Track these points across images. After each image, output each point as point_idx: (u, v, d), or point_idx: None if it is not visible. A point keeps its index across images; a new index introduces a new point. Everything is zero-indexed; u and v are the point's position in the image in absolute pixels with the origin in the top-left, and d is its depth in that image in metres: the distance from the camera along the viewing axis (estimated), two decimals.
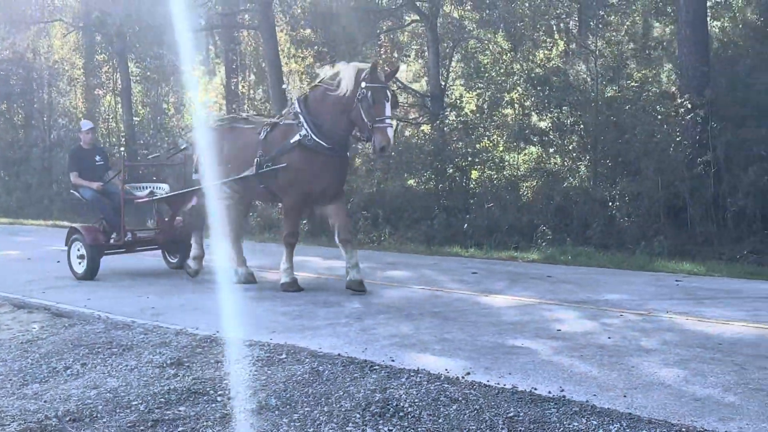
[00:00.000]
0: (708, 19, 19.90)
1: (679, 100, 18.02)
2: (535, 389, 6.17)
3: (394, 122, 12.84)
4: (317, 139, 10.98)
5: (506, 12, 23.48)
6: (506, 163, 21.15)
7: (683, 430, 5.17)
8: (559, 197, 19.00)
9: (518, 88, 21.83)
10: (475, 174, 20.88)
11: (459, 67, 25.39)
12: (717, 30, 21.17)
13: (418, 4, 23.30)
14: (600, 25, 23.07)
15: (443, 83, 23.42)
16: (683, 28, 18.49)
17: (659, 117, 18.71)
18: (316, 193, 11.33)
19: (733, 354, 7.27)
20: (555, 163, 20.43)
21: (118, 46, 28.62)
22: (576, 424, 5.37)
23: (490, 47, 23.67)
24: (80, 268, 13.14)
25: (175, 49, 25.09)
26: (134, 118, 30.88)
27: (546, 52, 23.39)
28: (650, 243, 16.38)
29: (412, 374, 6.69)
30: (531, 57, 22.69)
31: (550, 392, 6.09)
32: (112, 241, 13.19)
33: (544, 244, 17.38)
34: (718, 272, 13.19)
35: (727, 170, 16.93)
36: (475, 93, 22.87)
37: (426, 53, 24.75)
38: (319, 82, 11.45)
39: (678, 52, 19.16)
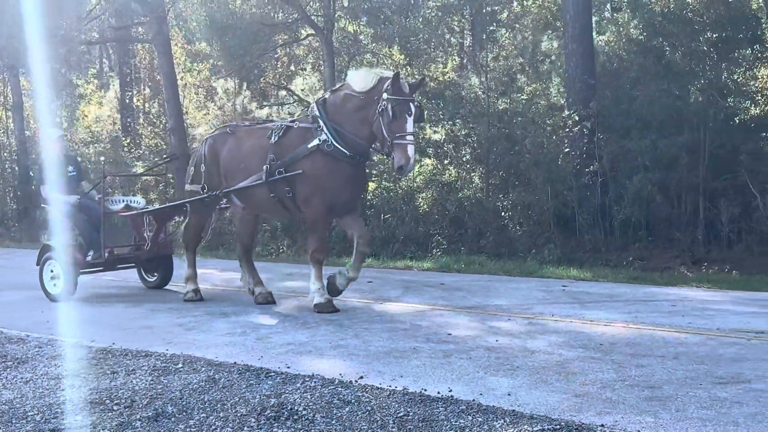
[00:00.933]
0: (594, 33, 20.56)
1: (567, 113, 18.59)
2: (425, 390, 6.36)
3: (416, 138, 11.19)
4: (337, 145, 9.82)
5: (401, 27, 23.79)
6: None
7: (563, 424, 5.42)
8: (454, 208, 19.40)
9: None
10: (372, 185, 21.10)
11: None
12: (603, 44, 21.80)
13: (313, 18, 23.43)
14: (491, 41, 23.57)
15: None
16: (570, 43, 19.07)
17: (548, 129, 19.25)
18: (341, 200, 10.15)
19: (613, 353, 7.60)
20: (450, 175, 20.79)
21: (8, 60, 28.00)
22: (462, 421, 5.57)
23: (386, 61, 23.93)
24: (54, 288, 11.76)
25: (67, 62, 24.73)
26: (26, 132, 30.30)
27: (440, 66, 23.81)
28: (540, 251, 16.87)
29: (306, 379, 6.82)
30: (425, 71, 23.04)
31: (439, 393, 6.28)
32: (89, 258, 11.86)
33: (438, 253, 17.70)
34: (604, 277, 13.68)
35: (613, 180, 17.54)
36: None
37: (322, 67, 24.89)
38: (341, 86, 10.39)
39: (566, 66, 19.71)
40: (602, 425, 5.37)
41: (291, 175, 10.02)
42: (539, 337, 8.55)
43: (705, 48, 18.51)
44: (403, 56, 23.82)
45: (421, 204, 20.76)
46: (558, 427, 5.37)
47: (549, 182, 17.92)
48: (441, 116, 21.32)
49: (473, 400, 6.05)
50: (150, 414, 5.94)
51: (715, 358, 7.31)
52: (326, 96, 10.43)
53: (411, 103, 9.51)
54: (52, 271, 11.80)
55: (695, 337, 8.20)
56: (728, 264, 15.00)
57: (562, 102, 20.29)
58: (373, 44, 24.57)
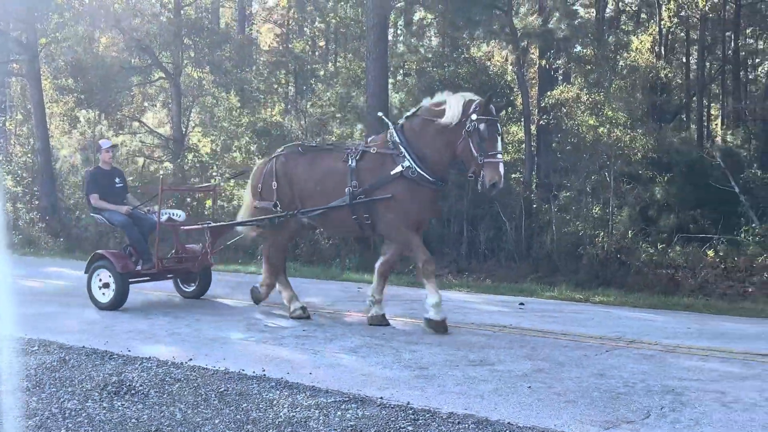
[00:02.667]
0: (390, 92, 21.07)
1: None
2: (243, 370, 6.32)
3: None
4: (422, 172, 8.28)
5: (237, 78, 23.78)
6: (235, 196, 21.23)
7: (351, 396, 5.50)
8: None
9: (245, 137, 22.04)
10: (209, 203, 20.78)
11: (197, 117, 25.28)
12: (396, 101, 22.39)
13: (164, 65, 23.03)
14: (310, 92, 23.77)
15: (184, 129, 23.23)
16: (370, 98, 19.42)
17: None
18: (414, 225, 8.60)
19: (392, 341, 7.75)
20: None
21: None
22: (272, 395, 5.58)
23: (224, 103, 23.75)
24: (104, 297, 9.82)
25: None
26: None
27: (269, 110, 23.83)
28: (343, 260, 17.04)
29: (144, 361, 6.66)
30: (256, 113, 23.01)
31: (254, 372, 6.26)
32: (139, 268, 10.00)
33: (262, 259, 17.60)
34: (390, 282, 13.88)
35: None
36: (209, 139, 22.84)
37: (170, 104, 24.49)
38: (418, 111, 8.68)
39: (367, 116, 20.08)
40: (381, 397, 5.48)
41: (378, 199, 8.41)
42: (337, 328, 8.62)
43: None
44: (237, 100, 23.69)
45: None
46: (347, 398, 5.47)
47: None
48: (266, 150, 21.31)
49: (282, 378, 6.06)
50: (8, 388, 5.66)
51: (469, 345, 7.57)
52: (402, 122, 8.77)
53: (499, 124, 8.26)
54: (100, 279, 9.84)
55: (455, 329, 8.44)
56: (483, 273, 15.56)
57: None
58: (214, 89, 24.30)
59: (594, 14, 25.99)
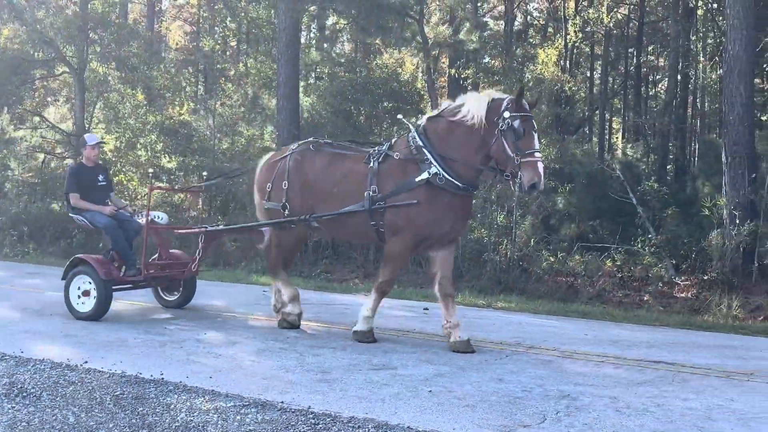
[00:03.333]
0: (301, 95, 21.03)
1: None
2: (140, 373, 6.16)
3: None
4: (450, 178, 7.55)
5: (144, 74, 23.30)
6: (139, 195, 20.79)
7: (251, 401, 5.43)
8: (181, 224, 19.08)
9: (152, 135, 21.62)
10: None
11: (101, 114, 24.64)
12: (307, 104, 22.36)
13: (68, 59, 22.37)
14: (219, 92, 23.49)
15: (87, 125, 22.60)
16: (281, 100, 19.34)
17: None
18: (435, 236, 7.86)
19: (296, 345, 7.69)
20: (179, 197, 20.38)
21: None
22: (169, 399, 5.46)
23: (130, 100, 23.24)
24: (84, 306, 8.84)
25: None
26: None
27: (177, 108, 23.43)
28: (249, 264, 16.87)
29: (37, 362, 6.42)
30: (164, 111, 22.61)
31: (152, 375, 6.11)
32: (122, 275, 9.11)
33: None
34: (297, 285, 13.78)
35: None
36: (114, 136, 22.29)
37: (74, 99, 23.79)
38: (441, 112, 7.97)
39: (277, 118, 20.01)
40: (282, 402, 5.42)
41: (401, 205, 7.68)
42: (241, 331, 8.51)
43: (383, 113, 19.45)
44: (144, 97, 23.21)
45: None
46: (247, 403, 5.39)
47: (252, 211, 18.08)
48: (174, 149, 20.97)
49: (180, 381, 5.93)
50: None
51: (372, 350, 7.57)
52: (423, 124, 8.02)
53: (534, 120, 7.53)
54: (78, 288, 8.87)
55: None
56: None
57: (274, 146, 20.62)
58: (120, 85, 23.74)
59: (503, 27, 26.49)
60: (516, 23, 30.49)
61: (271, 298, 9.14)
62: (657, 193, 16.06)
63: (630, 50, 32.74)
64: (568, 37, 24.65)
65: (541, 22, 32.20)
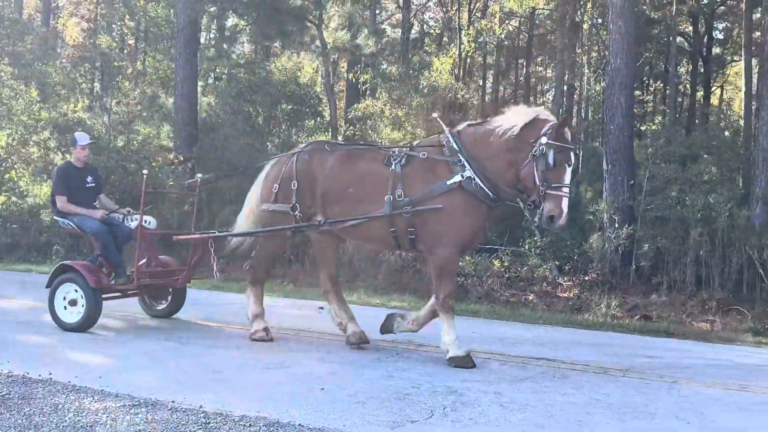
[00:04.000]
0: (199, 95, 20.71)
1: (174, 153, 18.49)
2: (28, 373, 5.93)
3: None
4: (483, 185, 6.99)
5: (38, 70, 22.46)
6: (29, 193, 19.99)
7: (142, 401, 5.30)
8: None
9: (45, 132, 20.84)
10: (3, 199, 19.42)
11: None
12: (205, 104, 22.01)
13: None
14: (116, 89, 22.87)
15: None
16: (179, 100, 19.04)
17: (157, 165, 18.89)
18: (474, 243, 7.51)
19: (189, 345, 7.54)
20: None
21: None
22: (57, 399, 5.28)
23: (24, 96, 22.33)
24: (71, 316, 8.04)
25: None
26: None
27: (71, 105, 22.66)
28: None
29: None
30: (58, 108, 21.83)
31: (40, 375, 5.89)
32: (113, 282, 8.32)
33: (57, 259, 16.67)
34: (193, 285, 13.58)
35: (207, 208, 17.59)
36: (5, 132, 21.37)
37: None
38: (483, 122, 7.39)
39: (174, 117, 19.66)
40: (173, 401, 5.31)
41: (426, 209, 7.06)
42: (132, 331, 8.32)
43: (281, 115, 19.34)
44: (37, 94, 22.34)
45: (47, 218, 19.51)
46: (137, 402, 5.26)
47: (155, 208, 17.66)
48: (68, 146, 20.30)
49: (69, 381, 5.74)
50: None
51: (266, 349, 7.54)
52: (460, 128, 7.42)
53: (572, 153, 6.84)
54: (64, 298, 8.10)
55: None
56: (287, 279, 15.53)
57: (171, 145, 20.22)
58: (13, 81, 22.76)
59: (400, 34, 26.71)
60: (413, 32, 30.82)
61: (333, 317, 8.11)
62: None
63: (520, 61, 33.59)
64: (462, 46, 25.07)
65: (436, 31, 32.67)
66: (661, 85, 33.48)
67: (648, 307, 12.96)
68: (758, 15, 25.42)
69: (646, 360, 8.05)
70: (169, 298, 9.31)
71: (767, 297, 13.06)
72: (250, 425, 4.83)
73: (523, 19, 30.85)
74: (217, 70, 24.90)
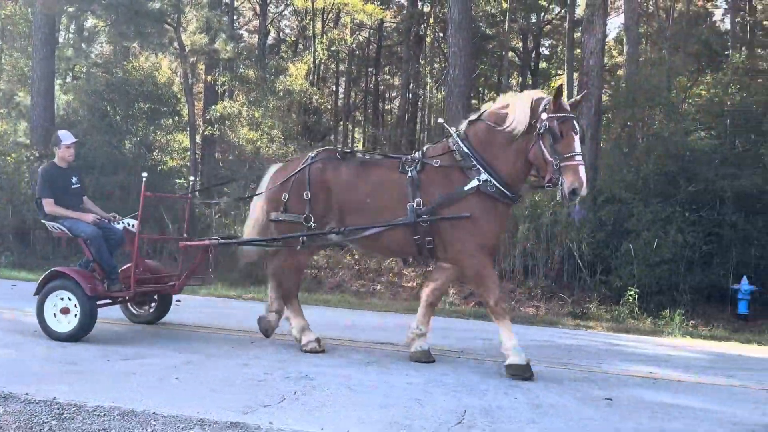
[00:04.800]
0: (57, 92, 19.76)
1: (31, 150, 17.55)
2: None
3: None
4: (500, 186, 6.49)
5: None
6: None
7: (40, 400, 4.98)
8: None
9: None
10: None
11: None
12: (63, 102, 20.97)
13: None
14: None
15: None
16: (36, 97, 18.09)
17: (12, 162, 17.75)
18: (495, 247, 6.95)
19: (44, 337, 7.14)
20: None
21: None
22: None
23: None
24: (63, 325, 7.11)
25: None
26: None
27: None
28: None
29: None
30: None
31: None
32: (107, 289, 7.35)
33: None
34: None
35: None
36: None
37: None
38: (481, 116, 6.79)
39: (31, 114, 18.69)
40: (26, 393, 4.99)
41: (452, 218, 6.53)
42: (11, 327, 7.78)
43: (139, 114, 18.71)
44: None
45: None
46: None
47: (10, 204, 16.63)
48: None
49: None
50: None
51: (123, 340, 7.24)
52: (464, 128, 6.84)
53: (575, 121, 6.34)
54: (55, 305, 7.16)
55: (111, 325, 8.02)
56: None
57: (27, 142, 19.10)
58: None
59: (257, 40, 26.39)
60: (270, 38, 30.52)
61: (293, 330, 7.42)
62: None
63: (370, 69, 33.93)
64: (317, 54, 25.07)
65: (291, 39, 32.47)
66: (495, 95, 34.73)
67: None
68: (578, 34, 26.92)
69: (481, 342, 8.32)
70: (154, 303, 8.45)
71: (585, 285, 13.81)
72: (104, 415, 4.61)
73: (372, 30, 31.18)
74: (76, 69, 23.68)
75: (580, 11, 28.49)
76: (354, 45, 29.89)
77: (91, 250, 7.39)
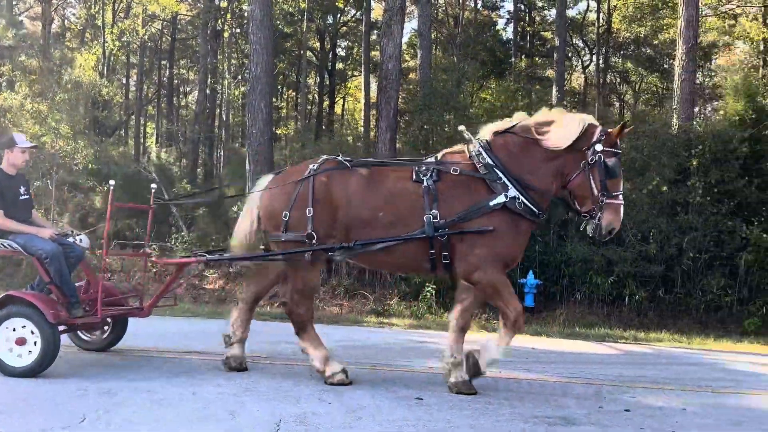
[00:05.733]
0: None
1: None
2: None
3: None
4: (530, 204, 5.99)
5: None
6: None
7: None
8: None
9: None
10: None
11: None
12: None
13: None
14: None
15: None
16: None
17: None
18: (510, 264, 6.29)
19: None
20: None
21: None
22: None
23: None
24: (21, 358, 5.98)
25: None
26: None
27: None
28: None
29: None
30: None
31: None
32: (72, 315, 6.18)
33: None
34: None
35: None
36: None
37: None
38: (512, 128, 6.23)
39: None
40: None
41: (474, 232, 5.97)
42: None
43: None
44: None
45: None
46: None
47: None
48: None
49: None
50: None
51: None
52: (489, 138, 6.29)
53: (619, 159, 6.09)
54: (7, 338, 6.02)
55: None
56: None
57: None
58: None
59: (41, 28, 24.59)
60: (54, 26, 28.51)
61: (230, 325, 6.83)
62: (190, 194, 16.27)
63: (164, 62, 32.74)
64: (106, 44, 23.80)
65: (78, 27, 30.52)
66: (293, 93, 34.81)
67: (286, 294, 13.23)
68: (374, 37, 27.61)
69: (289, 346, 8.22)
70: (107, 328, 7.36)
71: (385, 282, 14.14)
72: None
73: (165, 22, 30.07)
74: None
75: (375, 14, 29.28)
76: (146, 37, 28.69)
77: (50, 270, 6.32)
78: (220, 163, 28.30)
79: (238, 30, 28.72)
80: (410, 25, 31.14)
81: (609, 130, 6.08)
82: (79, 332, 7.35)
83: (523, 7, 31.02)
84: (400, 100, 16.97)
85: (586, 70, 32.13)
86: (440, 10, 30.75)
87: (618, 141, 6.12)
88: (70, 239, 6.72)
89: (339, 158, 6.51)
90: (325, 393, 5.91)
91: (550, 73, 28.54)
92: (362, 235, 6.24)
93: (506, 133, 6.30)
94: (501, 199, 6.02)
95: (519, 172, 6.10)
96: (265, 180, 6.83)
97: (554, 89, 22.59)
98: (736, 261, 13.14)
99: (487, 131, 6.39)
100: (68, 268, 6.49)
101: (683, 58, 15.32)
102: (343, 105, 38.05)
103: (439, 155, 6.52)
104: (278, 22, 26.98)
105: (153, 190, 7.33)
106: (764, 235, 13.04)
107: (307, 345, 6.46)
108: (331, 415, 5.26)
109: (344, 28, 32.88)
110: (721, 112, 15.67)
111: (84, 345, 7.41)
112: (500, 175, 6.07)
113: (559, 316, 12.86)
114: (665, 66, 28.11)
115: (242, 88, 24.98)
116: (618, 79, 32.58)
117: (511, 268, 6.39)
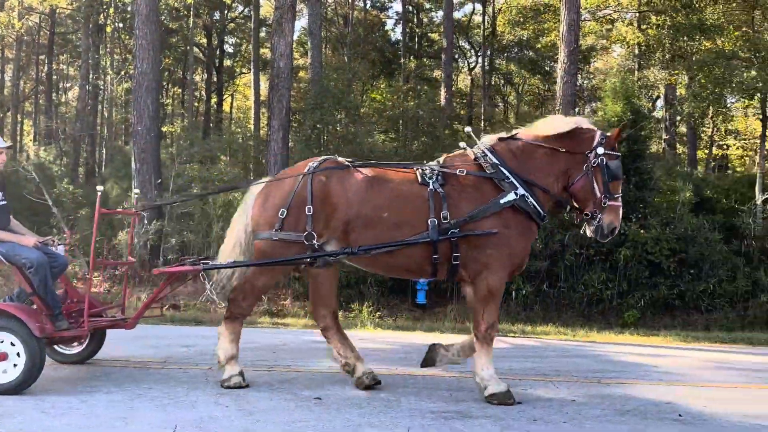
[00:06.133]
0: None
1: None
2: None
3: None
4: (536, 204, 5.93)
5: None
6: None
7: None
8: None
9: None
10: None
11: None
12: None
13: None
14: None
15: None
16: None
17: None
18: (517, 269, 6.22)
19: None
20: None
21: None
22: None
23: None
24: (5, 374, 5.52)
25: None
26: None
27: None
28: None
29: None
30: None
31: None
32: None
33: None
34: None
35: None
36: None
37: None
38: (514, 135, 6.25)
39: None
40: None
41: (484, 234, 5.82)
42: None
43: None
44: None
45: None
46: None
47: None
48: None
49: None
50: None
51: None
52: (493, 143, 6.20)
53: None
54: None
55: None
56: None
57: None
58: None
59: None
60: None
61: (336, 357, 6.47)
62: (71, 194, 15.64)
63: (42, 57, 31.30)
64: None
65: None
66: (180, 90, 33.97)
67: (175, 296, 12.93)
68: (263, 34, 27.30)
69: (183, 349, 8.01)
70: (84, 341, 6.87)
71: (279, 282, 13.98)
72: None
73: (44, 15, 28.70)
74: None
75: (264, 12, 28.94)
76: (23, 30, 27.30)
77: (34, 280, 5.87)
78: (102, 161, 27.28)
79: (121, 24, 27.74)
80: (300, 24, 30.99)
81: (609, 134, 6.21)
82: (56, 345, 6.89)
83: (411, 8, 31.42)
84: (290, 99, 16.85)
85: (473, 72, 32.89)
86: (330, 9, 30.73)
87: (617, 144, 6.23)
88: (52, 248, 6.32)
89: (335, 157, 6.43)
90: (222, 397, 5.77)
91: (437, 74, 29.05)
92: (361, 236, 6.05)
93: (511, 138, 6.33)
94: (511, 196, 5.98)
95: (523, 173, 6.10)
96: (257, 187, 6.51)
97: (442, 90, 23.04)
98: (615, 256, 13.71)
99: (488, 139, 6.38)
100: (53, 278, 6.14)
101: (565, 61, 15.88)
102: (232, 103, 37.43)
103: (441, 159, 6.42)
104: (164, 17, 26.26)
105: (99, 193, 6.53)
106: (641, 231, 13.70)
107: (225, 334, 6.23)
108: (229, 419, 5.14)
109: (232, 24, 32.35)
110: (600, 114, 16.31)
111: (60, 358, 6.97)
112: (507, 174, 6.04)
113: (450, 312, 13.07)
114: (547, 68, 29.13)
115: (126, 85, 24.14)
116: (502, 81, 33.52)
117: (516, 274, 6.52)
